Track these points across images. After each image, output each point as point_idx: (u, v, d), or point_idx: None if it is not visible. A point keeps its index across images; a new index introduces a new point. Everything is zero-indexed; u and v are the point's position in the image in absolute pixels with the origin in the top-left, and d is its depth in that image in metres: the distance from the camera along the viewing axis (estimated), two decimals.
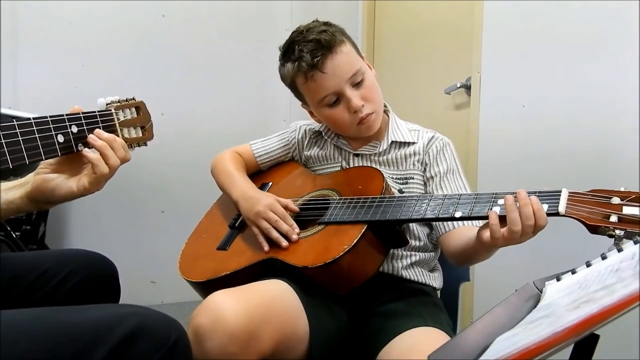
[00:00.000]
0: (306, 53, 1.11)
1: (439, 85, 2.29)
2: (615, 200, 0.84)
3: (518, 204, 0.88)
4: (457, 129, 2.18)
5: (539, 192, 0.90)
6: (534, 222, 0.87)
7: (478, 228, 0.96)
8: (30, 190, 0.92)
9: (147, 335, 0.72)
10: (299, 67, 1.13)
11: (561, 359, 0.58)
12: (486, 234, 0.92)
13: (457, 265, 1.23)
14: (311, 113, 1.24)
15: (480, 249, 0.98)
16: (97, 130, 0.94)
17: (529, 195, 0.89)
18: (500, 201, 0.92)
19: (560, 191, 0.89)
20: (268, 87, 2.96)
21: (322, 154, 1.27)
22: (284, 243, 1.07)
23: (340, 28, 1.18)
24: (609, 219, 0.83)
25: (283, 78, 1.21)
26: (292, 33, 1.18)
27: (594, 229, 0.84)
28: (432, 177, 1.18)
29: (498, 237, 0.89)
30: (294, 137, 1.32)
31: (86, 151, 0.91)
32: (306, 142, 1.31)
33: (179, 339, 0.75)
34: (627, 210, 0.82)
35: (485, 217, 0.93)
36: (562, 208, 0.87)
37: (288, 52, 1.16)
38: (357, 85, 1.14)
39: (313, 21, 1.18)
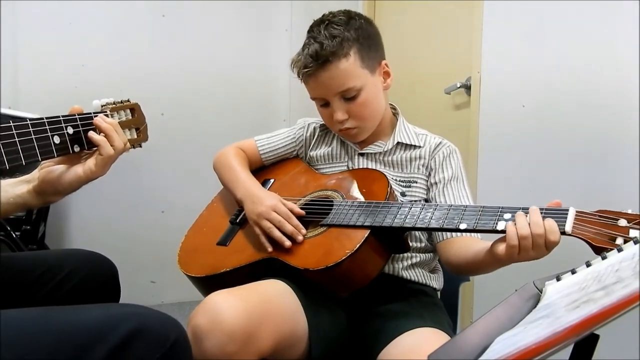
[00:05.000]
0: (305, 56, 1.12)
1: (439, 85, 2.29)
2: (622, 222, 0.83)
3: (528, 215, 0.87)
4: (457, 129, 2.18)
5: (546, 209, 0.89)
6: (544, 234, 0.85)
7: (482, 241, 0.95)
8: (38, 184, 0.94)
9: (147, 335, 0.72)
10: (296, 64, 1.15)
11: (561, 359, 0.58)
12: (501, 246, 0.90)
13: (453, 273, 1.22)
14: None
15: (490, 262, 0.96)
16: (101, 115, 0.96)
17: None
18: (507, 215, 0.91)
19: (567, 210, 0.88)
20: (268, 87, 2.96)
21: (327, 152, 1.27)
22: (287, 243, 1.06)
23: (362, 33, 1.14)
24: (614, 241, 0.81)
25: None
26: (319, 18, 1.17)
27: (599, 251, 0.82)
28: (435, 183, 1.18)
29: (514, 244, 0.87)
30: (302, 134, 1.32)
31: (92, 134, 0.93)
32: (314, 140, 1.31)
33: (179, 338, 0.75)
34: (634, 233, 0.81)
35: (490, 231, 0.92)
36: (568, 227, 0.85)
37: (306, 38, 1.16)
38: (348, 99, 1.14)
39: (344, 11, 1.17)
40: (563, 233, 0.86)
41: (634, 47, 1.52)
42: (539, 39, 1.83)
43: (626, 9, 1.55)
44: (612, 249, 0.79)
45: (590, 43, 1.67)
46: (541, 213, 0.88)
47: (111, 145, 0.93)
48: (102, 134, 0.94)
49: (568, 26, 1.74)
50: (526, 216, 0.88)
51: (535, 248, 0.86)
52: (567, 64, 1.74)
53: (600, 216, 0.85)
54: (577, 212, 0.87)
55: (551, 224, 0.86)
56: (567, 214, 0.87)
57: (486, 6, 2.01)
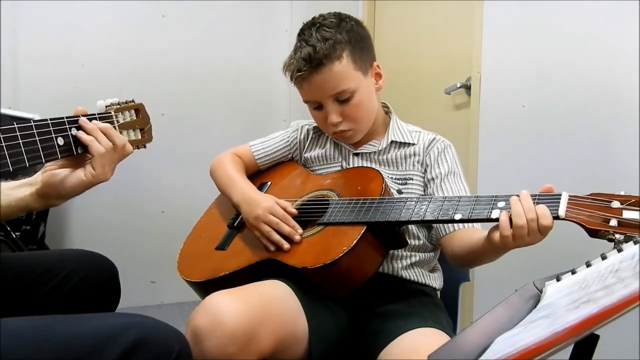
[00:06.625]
0: (298, 59, 1.12)
1: (439, 85, 2.29)
2: (615, 204, 0.84)
3: (520, 199, 0.89)
4: (457, 129, 2.18)
5: (539, 195, 0.90)
6: (537, 218, 0.86)
7: (482, 230, 0.96)
8: (41, 187, 0.93)
9: (150, 347, 0.71)
10: (289, 67, 1.15)
11: (561, 359, 0.58)
12: (496, 234, 0.91)
13: (458, 267, 1.22)
14: None
15: (489, 251, 0.97)
16: (82, 118, 0.94)
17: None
18: (500, 204, 0.92)
19: (560, 195, 0.89)
20: (268, 87, 2.97)
21: (322, 154, 1.27)
22: (286, 245, 1.07)
23: (353, 35, 1.14)
24: (608, 222, 0.82)
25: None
26: (310, 20, 1.17)
27: (593, 233, 0.83)
28: (432, 179, 1.18)
29: (507, 234, 0.89)
30: (296, 137, 1.32)
31: (80, 133, 0.92)
32: (307, 142, 1.31)
33: (182, 350, 0.74)
34: (627, 214, 0.82)
35: (485, 220, 0.93)
36: (562, 211, 0.86)
37: (297, 40, 1.16)
38: (341, 101, 1.14)
39: (335, 13, 1.16)
40: (557, 218, 0.87)
41: (634, 47, 1.52)
42: (539, 39, 1.83)
43: (626, 9, 1.55)
44: (606, 231, 0.81)
45: (590, 43, 1.67)
46: (534, 199, 0.89)
47: (99, 144, 0.92)
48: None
49: (568, 26, 1.74)
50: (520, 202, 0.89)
51: (530, 234, 0.87)
52: (567, 64, 1.73)
53: (593, 199, 0.86)
54: (570, 196, 0.88)
55: (543, 209, 0.87)
56: (559, 198, 0.88)
57: (486, 6, 2.01)
